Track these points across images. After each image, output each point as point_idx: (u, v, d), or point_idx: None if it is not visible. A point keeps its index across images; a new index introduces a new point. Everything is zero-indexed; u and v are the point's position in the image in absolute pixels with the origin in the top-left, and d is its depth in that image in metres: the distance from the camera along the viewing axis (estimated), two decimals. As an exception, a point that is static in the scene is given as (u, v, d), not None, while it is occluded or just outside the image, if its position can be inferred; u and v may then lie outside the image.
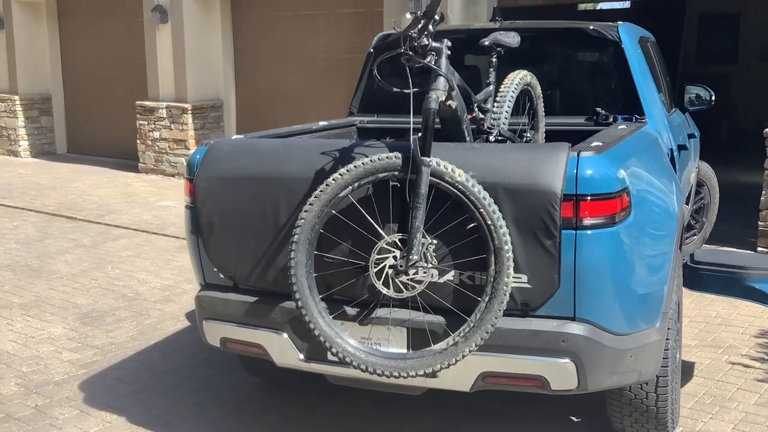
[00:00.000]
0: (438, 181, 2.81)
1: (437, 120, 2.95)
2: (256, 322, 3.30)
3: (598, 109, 4.28)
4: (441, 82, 2.89)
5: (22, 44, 13.69)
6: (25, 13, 13.72)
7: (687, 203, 5.46)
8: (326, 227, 2.95)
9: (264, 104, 11.51)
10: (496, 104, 3.63)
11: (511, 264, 2.80)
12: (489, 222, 2.78)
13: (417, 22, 2.76)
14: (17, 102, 13.70)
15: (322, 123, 4.57)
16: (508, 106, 3.61)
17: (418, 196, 2.76)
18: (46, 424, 3.94)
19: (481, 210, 2.78)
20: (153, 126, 11.74)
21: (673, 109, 5.48)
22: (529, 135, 3.86)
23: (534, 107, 3.98)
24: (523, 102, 3.90)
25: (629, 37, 4.42)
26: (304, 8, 10.96)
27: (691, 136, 5.50)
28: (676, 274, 3.62)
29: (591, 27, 4.43)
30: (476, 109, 3.45)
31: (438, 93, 2.86)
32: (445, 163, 2.81)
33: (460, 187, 2.79)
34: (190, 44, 11.36)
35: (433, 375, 2.97)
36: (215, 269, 3.38)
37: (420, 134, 2.78)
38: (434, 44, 2.88)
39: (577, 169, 2.85)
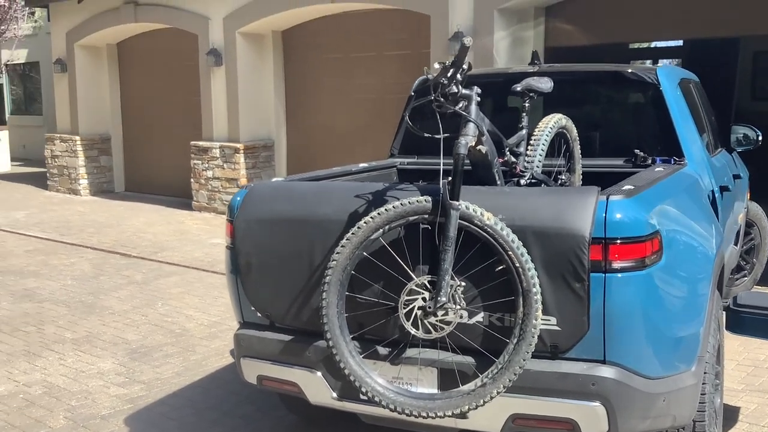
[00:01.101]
0: (467, 224, 2.86)
1: (468, 164, 3.02)
2: (291, 361, 3.37)
3: (636, 151, 4.29)
4: (471, 127, 2.96)
5: (84, 87, 14.24)
6: (86, 56, 14.29)
7: (735, 244, 5.39)
8: (359, 268, 3.02)
9: (314, 144, 11.73)
10: (530, 148, 3.68)
11: (540, 306, 2.83)
12: (517, 264, 2.82)
13: (446, 71, 2.84)
14: (78, 142, 14.21)
15: (362, 165, 4.67)
16: (542, 150, 3.65)
17: (447, 239, 2.81)
18: (91, 458, 4.06)
19: (510, 252, 2.82)
20: (206, 165, 12.05)
21: (719, 150, 5.44)
22: (563, 177, 3.89)
23: (570, 150, 4.02)
24: (558, 144, 3.93)
25: (668, 79, 4.43)
26: (353, 50, 11.19)
27: (736, 176, 5.44)
28: (713, 317, 3.59)
29: (630, 70, 4.47)
30: (508, 153, 3.50)
31: (467, 138, 2.93)
32: (475, 207, 2.87)
33: (488, 230, 2.83)
34: (243, 86, 11.68)
35: (463, 416, 3.00)
36: (253, 308, 3.47)
37: (449, 179, 2.85)
38: (464, 91, 2.96)
39: (606, 213, 2.87)
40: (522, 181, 3.51)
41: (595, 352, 2.94)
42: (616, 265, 2.87)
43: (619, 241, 2.86)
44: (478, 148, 3.07)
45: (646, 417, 3.06)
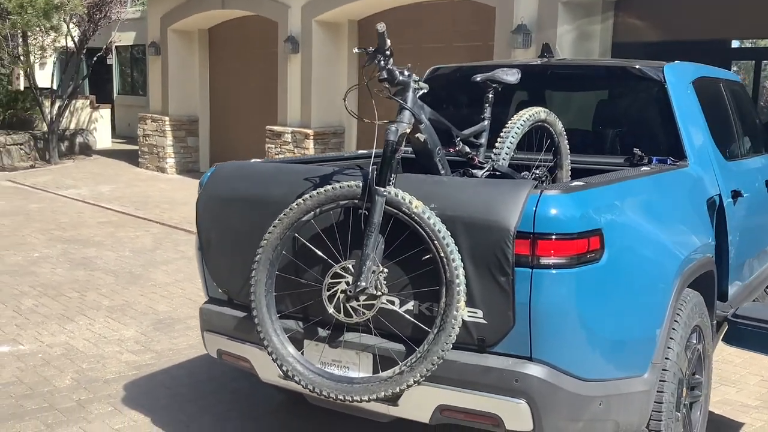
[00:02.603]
0: (395, 211, 2.86)
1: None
2: (244, 337, 3.46)
3: (635, 149, 4.14)
4: (406, 115, 2.96)
5: (175, 70, 14.83)
6: (179, 40, 14.86)
7: None
8: (296, 251, 3.07)
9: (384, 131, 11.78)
10: (498, 140, 3.61)
11: (462, 298, 2.80)
12: (442, 254, 2.80)
13: (373, 57, 2.85)
14: (167, 122, 14.82)
15: (361, 152, 4.71)
16: (510, 143, 3.58)
17: (371, 224, 2.83)
18: (79, 417, 4.28)
19: (435, 242, 2.80)
20: (279, 149, 12.34)
21: (753, 154, 5.19)
22: (537, 172, 3.80)
23: (556, 145, 3.92)
24: (541, 138, 3.84)
25: (677, 77, 4.25)
26: (423, 41, 11.19)
27: None
28: (683, 324, 3.43)
29: (636, 66, 4.31)
30: (459, 144, 3.45)
31: (401, 126, 2.93)
32: (404, 194, 2.86)
33: (415, 218, 2.83)
34: (317, 74, 11.89)
35: (393, 402, 3.02)
36: (214, 284, 3.59)
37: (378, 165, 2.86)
38: (401, 78, 2.96)
39: (536, 207, 2.80)
40: (479, 173, 3.46)
41: (521, 348, 2.88)
42: (545, 261, 2.80)
43: (548, 237, 2.79)
44: (416, 136, 3.06)
45: (576, 419, 2.98)
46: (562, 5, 8.96)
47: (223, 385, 4.80)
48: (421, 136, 3.11)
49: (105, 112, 19.17)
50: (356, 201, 2.91)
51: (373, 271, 2.84)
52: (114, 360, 5.19)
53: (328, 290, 2.91)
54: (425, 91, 3.16)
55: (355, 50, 2.84)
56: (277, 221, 2.99)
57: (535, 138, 3.86)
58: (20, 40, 15.19)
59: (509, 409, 2.90)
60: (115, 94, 23.03)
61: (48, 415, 4.29)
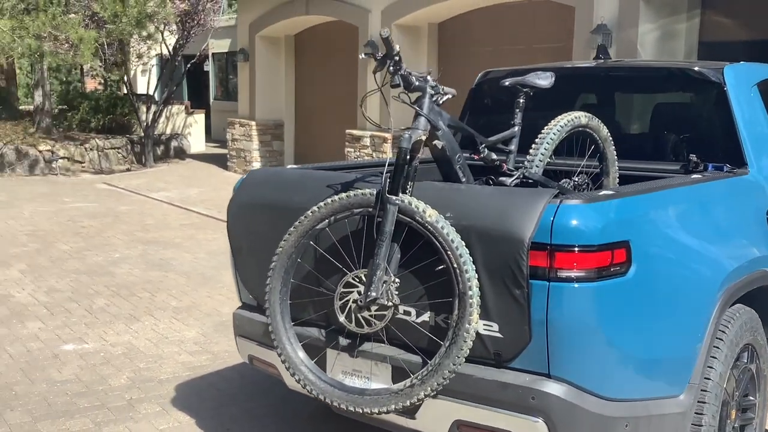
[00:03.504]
0: (409, 219, 2.80)
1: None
2: (272, 344, 3.46)
3: (692, 156, 3.92)
4: (421, 122, 2.89)
5: (262, 75, 15.15)
6: (266, 47, 15.17)
7: None
8: (315, 259, 3.05)
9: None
10: (532, 147, 3.48)
11: (475, 310, 2.71)
12: (455, 265, 2.72)
13: (383, 63, 2.79)
14: (254, 127, 15.16)
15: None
16: (545, 149, 3.44)
17: (383, 233, 2.77)
18: (127, 416, 4.39)
19: (449, 252, 2.73)
20: (358, 153, 12.40)
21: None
22: (577, 179, 3.64)
23: (602, 151, 3.75)
24: (584, 144, 3.68)
25: (738, 79, 4.00)
26: (503, 43, 11.02)
27: None
28: (730, 343, 3.22)
29: (696, 68, 4.09)
30: (484, 150, 3.33)
31: (415, 133, 2.87)
32: (417, 203, 2.80)
33: (429, 227, 2.76)
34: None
35: (411, 416, 2.97)
36: (245, 290, 3.60)
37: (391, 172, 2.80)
38: (417, 84, 2.89)
39: (554, 218, 2.68)
40: (509, 181, 3.33)
41: (539, 364, 2.76)
42: (563, 273, 2.67)
43: (566, 249, 2.67)
44: (434, 143, 2.98)
45: (599, 440, 2.83)
46: (644, 3, 8.64)
47: (269, 389, 4.82)
48: (439, 143, 3.03)
49: (199, 117, 19.78)
50: (370, 209, 2.86)
51: (385, 281, 2.78)
52: (171, 360, 5.31)
53: (341, 299, 2.87)
54: (449, 97, 3.08)
55: (361, 56, 2.80)
56: (292, 229, 2.98)
57: (577, 145, 3.71)
58: (117, 48, 15.84)
59: (526, 428, 2.79)
60: (211, 100, 23.75)
61: (98, 413, 4.42)
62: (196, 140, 19.65)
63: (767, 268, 3.59)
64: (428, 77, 3.02)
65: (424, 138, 2.92)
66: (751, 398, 3.56)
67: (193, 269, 7.93)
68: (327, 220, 2.92)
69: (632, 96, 4.39)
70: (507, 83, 3.56)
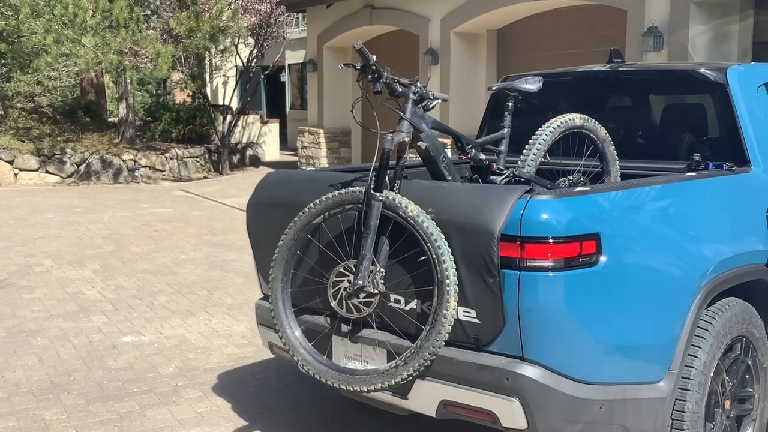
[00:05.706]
0: (393, 214, 3.06)
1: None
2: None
3: (695, 155, 4.05)
4: (404, 125, 3.15)
5: (330, 84, 15.62)
6: (333, 57, 15.62)
7: None
8: (314, 251, 3.35)
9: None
10: (526, 147, 3.68)
11: (452, 297, 2.95)
12: (434, 256, 2.97)
13: (364, 72, 3.07)
14: (322, 134, 15.63)
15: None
16: (537, 150, 3.64)
17: (368, 226, 3.05)
18: (170, 400, 4.79)
19: (428, 244, 2.98)
20: (416, 157, 12.63)
21: None
22: (572, 178, 3.81)
23: (601, 151, 3.91)
24: (581, 145, 3.86)
25: (741, 80, 4.09)
26: (560, 47, 11.12)
27: None
28: (716, 333, 3.34)
29: (701, 70, 4.20)
30: (471, 151, 3.55)
31: (398, 135, 3.13)
32: (400, 199, 3.06)
33: (410, 221, 3.02)
34: (456, 83, 12.11)
35: (404, 396, 3.23)
36: (265, 282, 3.93)
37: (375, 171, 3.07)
38: (401, 90, 3.15)
39: (523, 211, 2.90)
40: (499, 180, 3.55)
41: (513, 348, 2.98)
42: (532, 263, 2.89)
43: (535, 240, 2.88)
44: (418, 144, 3.23)
45: (573, 420, 3.02)
46: (695, 5, 8.62)
47: (306, 378, 5.13)
48: (423, 144, 3.29)
49: (273, 126, 20.44)
50: (359, 205, 3.14)
51: (371, 271, 3.05)
52: (218, 352, 5.70)
53: (334, 287, 3.16)
54: (440, 101, 3.33)
55: (341, 66, 3.08)
56: (291, 224, 3.29)
57: (581, 145, 3.89)
58: (194, 61, 16.59)
59: (503, 407, 3.00)
60: (287, 109, 24.46)
61: (145, 397, 4.84)
62: (271, 148, 20.31)
63: (761, 262, 3.69)
64: (417, 83, 3.28)
65: (407, 140, 3.18)
66: (749, 389, 3.66)
67: (251, 270, 8.30)
68: (321, 216, 3.22)
69: (641, 98, 4.52)
70: (494, 88, 3.78)
